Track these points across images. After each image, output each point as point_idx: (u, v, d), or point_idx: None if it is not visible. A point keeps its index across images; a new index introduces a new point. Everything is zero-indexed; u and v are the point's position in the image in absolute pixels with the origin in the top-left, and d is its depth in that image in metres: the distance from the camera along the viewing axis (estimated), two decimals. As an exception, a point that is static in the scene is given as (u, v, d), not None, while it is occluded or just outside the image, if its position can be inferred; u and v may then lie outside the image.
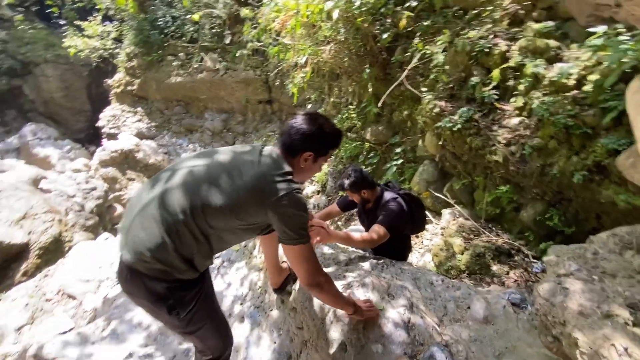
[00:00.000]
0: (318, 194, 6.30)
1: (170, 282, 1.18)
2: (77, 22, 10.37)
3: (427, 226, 4.26)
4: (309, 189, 6.35)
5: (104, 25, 10.51)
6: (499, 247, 3.39)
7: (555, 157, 3.08)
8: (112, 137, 10.13)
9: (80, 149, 9.31)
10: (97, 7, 9.44)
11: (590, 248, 1.19)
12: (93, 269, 2.98)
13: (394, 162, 4.90)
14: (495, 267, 3.29)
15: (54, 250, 4.23)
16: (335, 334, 1.36)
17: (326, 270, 1.73)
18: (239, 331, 1.78)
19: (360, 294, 1.48)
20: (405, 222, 2.04)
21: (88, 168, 7.97)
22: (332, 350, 1.32)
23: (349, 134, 6.12)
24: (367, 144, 5.51)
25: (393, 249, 2.06)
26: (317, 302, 1.49)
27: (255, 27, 5.57)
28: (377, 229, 1.82)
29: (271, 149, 1.31)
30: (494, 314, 1.43)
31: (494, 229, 3.80)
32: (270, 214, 1.18)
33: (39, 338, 1.92)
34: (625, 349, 0.86)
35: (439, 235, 3.94)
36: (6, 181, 4.87)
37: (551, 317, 1.05)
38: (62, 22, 11.42)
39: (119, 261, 1.22)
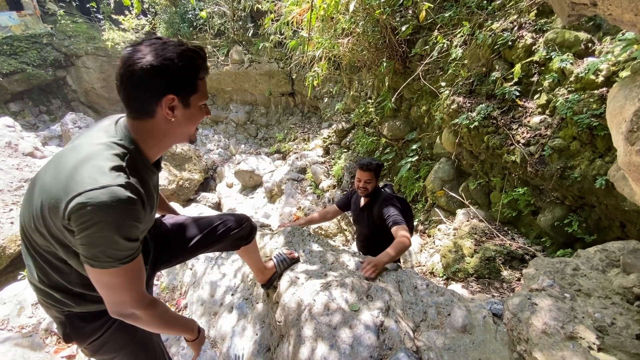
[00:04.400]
0: (334, 188, 6.29)
1: (66, 312, 1.00)
2: (114, 16, 10.91)
3: (439, 226, 4.15)
4: (324, 182, 6.36)
5: (139, 19, 10.98)
6: (511, 252, 3.24)
7: (577, 160, 2.87)
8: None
9: (114, 137, 9.89)
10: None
11: (572, 263, 1.11)
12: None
13: (409, 159, 4.78)
14: (505, 273, 3.15)
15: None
16: (308, 331, 1.38)
17: (311, 268, 1.75)
18: (227, 320, 1.85)
19: (338, 294, 1.49)
20: None
21: (120, 155, 8.43)
22: (303, 347, 1.35)
23: (366, 128, 6.03)
24: (383, 140, 5.41)
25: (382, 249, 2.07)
26: (294, 298, 1.52)
27: (277, 20, 5.59)
28: (401, 232, 1.84)
29: (118, 123, 0.90)
30: (473, 323, 1.38)
31: (509, 232, 3.63)
32: (64, 225, 0.78)
33: (52, 313, 2.12)
34: (582, 375, 0.80)
35: (451, 236, 3.82)
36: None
37: (517, 332, 1.00)
38: (99, 16, 12.07)
39: None
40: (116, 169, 0.79)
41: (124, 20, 10.65)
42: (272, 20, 5.70)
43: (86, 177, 0.76)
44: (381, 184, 2.36)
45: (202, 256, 2.32)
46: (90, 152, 0.81)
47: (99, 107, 13.75)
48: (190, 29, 9.86)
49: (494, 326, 1.36)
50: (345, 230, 4.99)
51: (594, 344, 0.86)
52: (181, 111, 0.88)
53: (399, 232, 1.86)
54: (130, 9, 10.77)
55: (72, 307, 0.98)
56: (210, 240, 1.38)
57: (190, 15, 9.75)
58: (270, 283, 1.70)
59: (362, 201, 2.31)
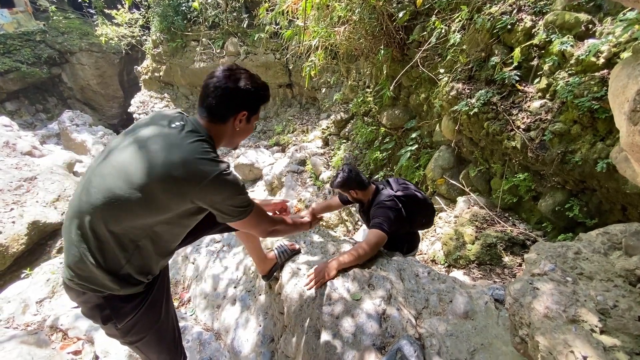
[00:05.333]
0: (334, 179, 6.26)
1: (106, 294, 1.10)
2: (106, 10, 10.75)
3: (440, 214, 4.15)
4: (325, 174, 6.35)
5: (132, 13, 10.81)
6: (512, 238, 3.24)
7: (578, 144, 2.85)
8: (142, 122, 10.61)
9: (112, 134, 9.85)
10: (123, -5, 9.66)
11: (573, 247, 1.10)
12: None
13: (409, 148, 4.75)
14: (507, 259, 3.16)
15: (85, 229, 4.58)
16: (311, 321, 1.39)
17: (312, 258, 1.75)
18: (230, 313, 1.86)
19: (340, 284, 1.49)
20: (400, 225, 1.89)
21: (119, 152, 8.43)
22: (306, 337, 1.35)
23: (365, 118, 5.99)
24: (382, 129, 5.37)
25: (398, 243, 2.02)
26: (296, 289, 1.52)
27: (272, 9, 5.49)
28: (370, 237, 1.69)
29: (187, 121, 1.12)
30: (475, 309, 1.38)
31: (510, 218, 3.63)
32: (197, 202, 1.06)
33: (56, 310, 2.13)
34: (585, 358, 0.80)
35: (452, 224, 3.82)
36: (43, 165, 5.29)
37: (519, 317, 1.00)
38: (91, 11, 11.88)
39: None
40: (218, 157, 1.08)
41: (116, 14, 10.49)
42: (267, 10, 5.60)
43: (208, 165, 1.02)
44: (381, 174, 2.29)
45: (203, 250, 2.33)
46: (194, 145, 1.04)
47: (95, 104, 13.66)
48: (185, 21, 9.70)
49: (496, 311, 1.36)
50: (347, 220, 5.00)
51: (597, 326, 0.86)
52: (243, 124, 1.19)
53: (368, 236, 1.70)
54: (123, 2, 10.63)
55: (115, 290, 1.09)
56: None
57: (184, 8, 9.58)
58: (271, 274, 1.71)
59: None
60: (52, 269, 2.46)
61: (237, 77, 1.11)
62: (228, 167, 1.07)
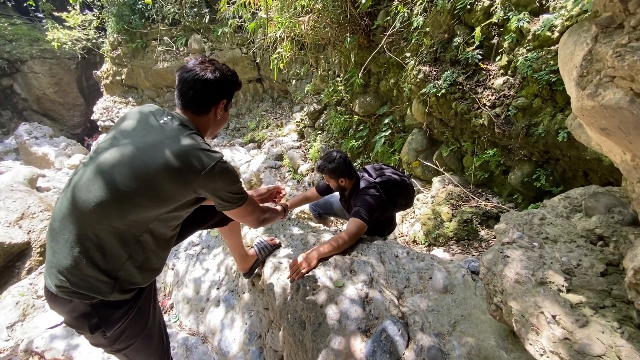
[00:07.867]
0: (312, 171, 6.27)
1: (95, 301, 1.06)
2: (56, 14, 10.07)
3: (418, 195, 4.24)
4: (302, 167, 6.33)
5: (84, 14, 10.19)
6: (487, 212, 3.37)
7: (540, 116, 2.97)
8: (107, 129, 10.14)
9: (76, 144, 9.36)
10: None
11: (539, 213, 1.15)
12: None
13: (383, 134, 4.80)
14: (483, 232, 3.28)
15: (55, 246, 4.34)
16: (295, 313, 1.39)
17: (293, 251, 1.74)
18: (215, 315, 1.83)
19: (322, 273, 1.49)
20: (383, 210, 1.94)
21: (85, 163, 8.03)
22: (292, 329, 1.35)
23: (338, 107, 5.98)
24: (355, 117, 5.40)
25: (379, 228, 2.05)
26: (279, 283, 1.51)
27: (233, 2, 5.33)
28: (351, 226, 1.71)
29: (173, 115, 1.13)
30: (454, 283, 1.43)
31: (483, 193, 3.76)
32: (199, 191, 1.09)
33: (30, 333, 2.02)
34: (554, 317, 0.85)
35: (429, 204, 3.92)
36: (2, 182, 4.95)
37: (492, 286, 1.04)
38: (40, 15, 11.11)
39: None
40: (212, 148, 1.11)
41: (67, 17, 9.86)
42: (228, 3, 5.43)
43: (208, 155, 1.07)
44: (359, 161, 2.31)
45: (182, 255, 2.27)
46: (191, 137, 1.08)
47: (54, 114, 12.89)
48: (143, 20, 9.27)
49: (473, 283, 1.41)
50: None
51: (563, 286, 0.90)
52: (222, 113, 1.22)
53: (348, 226, 1.72)
54: (74, 4, 9.98)
55: (106, 294, 1.05)
56: (205, 212, 1.42)
57: (141, 6, 9.14)
58: (252, 271, 1.69)
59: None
60: (20, 291, 2.33)
61: (214, 68, 1.15)
62: (223, 156, 1.12)
